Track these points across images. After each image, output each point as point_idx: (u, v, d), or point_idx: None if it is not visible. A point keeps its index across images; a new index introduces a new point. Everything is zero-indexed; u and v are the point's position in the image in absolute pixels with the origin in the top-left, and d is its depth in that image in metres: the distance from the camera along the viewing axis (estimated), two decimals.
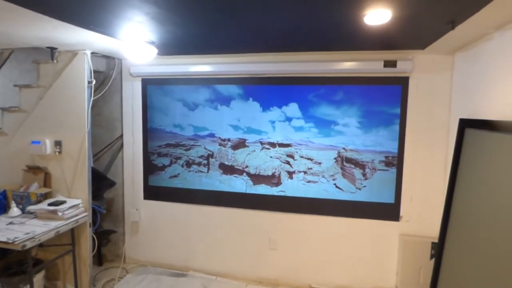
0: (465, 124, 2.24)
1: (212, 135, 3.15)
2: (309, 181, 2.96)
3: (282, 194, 3.04)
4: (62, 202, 2.72)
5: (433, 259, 2.56)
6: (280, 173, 3.02)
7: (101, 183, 3.26)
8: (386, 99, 2.75)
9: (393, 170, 2.79)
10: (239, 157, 3.10)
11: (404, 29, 1.97)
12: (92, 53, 2.81)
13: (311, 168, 2.94)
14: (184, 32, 2.16)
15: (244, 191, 3.13)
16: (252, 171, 3.08)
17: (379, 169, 2.81)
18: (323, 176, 2.92)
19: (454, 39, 2.14)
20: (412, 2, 1.54)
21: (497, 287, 1.63)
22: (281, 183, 3.03)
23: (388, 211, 2.83)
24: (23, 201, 2.75)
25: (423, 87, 2.70)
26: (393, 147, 2.77)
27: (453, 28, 1.81)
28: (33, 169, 2.89)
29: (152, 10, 1.66)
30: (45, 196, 2.83)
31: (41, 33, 2.17)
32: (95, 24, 1.94)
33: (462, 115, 2.36)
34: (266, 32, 2.16)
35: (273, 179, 3.04)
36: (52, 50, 2.62)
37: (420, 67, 2.69)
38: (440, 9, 1.63)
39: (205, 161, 3.20)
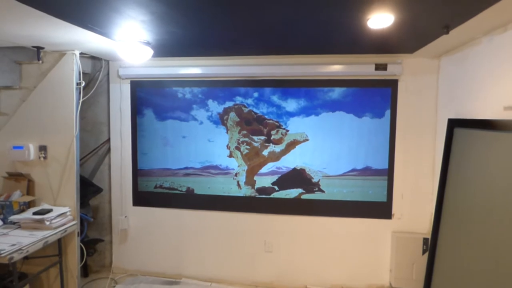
0: (454, 124, 2.36)
1: None
2: None
3: (277, 196, 3.04)
4: (48, 211, 2.55)
5: (425, 255, 2.67)
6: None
7: (87, 189, 3.11)
8: (377, 100, 2.84)
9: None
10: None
11: (402, 33, 2.06)
12: (79, 53, 2.68)
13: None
14: (185, 32, 2.11)
15: (238, 194, 3.10)
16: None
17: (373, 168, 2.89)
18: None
19: (444, 43, 2.26)
20: (414, 6, 1.62)
21: (490, 278, 1.73)
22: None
23: (381, 210, 2.91)
24: (4, 210, 2.56)
25: (411, 89, 2.83)
26: (385, 146, 2.87)
27: (447, 32, 1.91)
28: (15, 176, 2.70)
29: (159, 10, 1.62)
30: (29, 205, 2.66)
31: (30, 31, 2.04)
32: (93, 23, 1.86)
33: (448, 115, 2.49)
34: (267, 33, 2.17)
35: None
36: (38, 49, 2.47)
37: (408, 70, 2.82)
38: (438, 14, 1.72)
39: None
